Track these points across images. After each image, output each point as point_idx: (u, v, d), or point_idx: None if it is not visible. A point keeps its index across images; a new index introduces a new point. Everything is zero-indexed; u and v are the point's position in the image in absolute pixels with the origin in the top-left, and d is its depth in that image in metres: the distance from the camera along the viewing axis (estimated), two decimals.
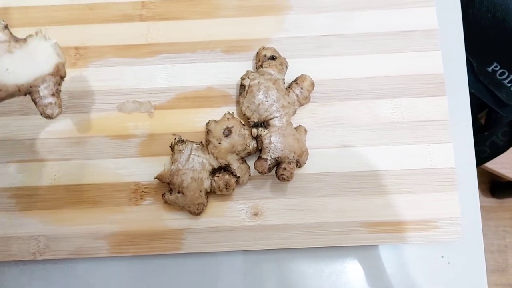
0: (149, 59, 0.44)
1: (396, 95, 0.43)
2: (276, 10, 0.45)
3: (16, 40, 0.26)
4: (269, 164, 0.39)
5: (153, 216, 0.41)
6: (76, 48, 0.44)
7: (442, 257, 0.42)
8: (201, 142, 0.41)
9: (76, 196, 0.41)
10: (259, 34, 0.44)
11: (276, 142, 0.39)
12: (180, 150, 0.39)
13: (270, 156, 0.39)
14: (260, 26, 0.44)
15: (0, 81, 0.25)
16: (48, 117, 0.28)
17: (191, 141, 0.40)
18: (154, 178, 0.39)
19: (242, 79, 0.40)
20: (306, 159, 0.40)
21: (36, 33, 0.26)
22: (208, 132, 0.40)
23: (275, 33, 0.44)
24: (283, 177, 0.38)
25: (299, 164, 0.40)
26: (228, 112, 0.40)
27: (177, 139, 0.40)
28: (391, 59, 0.44)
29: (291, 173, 0.38)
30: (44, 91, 0.26)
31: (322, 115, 0.43)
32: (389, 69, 0.43)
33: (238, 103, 0.43)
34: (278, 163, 0.39)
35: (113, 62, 0.44)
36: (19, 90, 0.26)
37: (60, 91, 0.28)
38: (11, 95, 0.26)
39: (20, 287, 0.41)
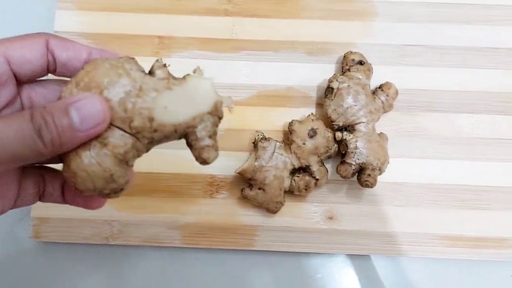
0: (232, 55, 0.44)
1: (478, 111, 0.43)
2: (362, 16, 0.45)
3: (174, 78, 0.24)
4: (354, 169, 0.38)
5: (227, 210, 0.41)
6: (159, 37, 0.44)
7: None
8: (283, 141, 0.40)
9: (153, 184, 0.41)
10: (343, 38, 0.44)
11: (361, 148, 0.38)
12: (264, 147, 0.39)
13: (355, 161, 0.38)
14: (345, 31, 0.44)
15: (157, 120, 0.23)
16: (204, 162, 0.25)
17: (274, 139, 0.40)
18: (236, 173, 0.39)
19: (330, 81, 0.40)
20: (386, 167, 0.40)
21: (194, 71, 0.25)
22: (291, 132, 0.40)
23: (360, 38, 0.44)
24: (367, 184, 0.38)
25: (379, 172, 0.40)
26: (312, 114, 0.40)
27: (261, 136, 0.40)
28: (475, 74, 0.43)
29: (375, 180, 0.38)
30: (201, 132, 0.24)
31: (402, 124, 0.43)
32: (472, 84, 0.43)
33: (318, 104, 0.43)
34: (361, 169, 0.39)
35: (196, 54, 0.44)
36: (175, 131, 0.23)
37: (217, 133, 0.25)
38: (166, 137, 0.24)
39: (90, 270, 0.42)
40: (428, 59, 0.44)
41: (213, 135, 0.25)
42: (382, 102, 0.41)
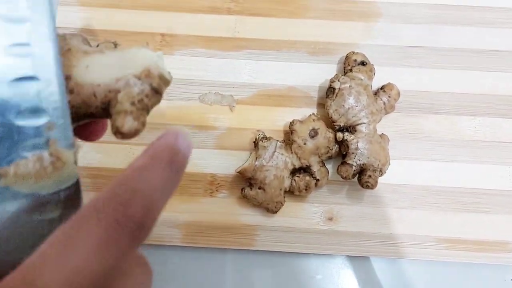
0: (234, 53, 0.44)
1: (480, 114, 0.43)
2: (365, 16, 0.45)
3: (116, 45, 0.22)
4: (354, 170, 0.38)
5: (227, 209, 0.41)
6: (162, 34, 0.44)
7: None
8: (283, 141, 0.40)
9: None
10: (346, 38, 0.44)
11: (362, 149, 0.38)
12: (264, 147, 0.39)
13: (356, 162, 0.38)
14: (348, 31, 0.44)
15: (74, 78, 0.20)
16: (118, 132, 0.19)
17: (275, 139, 0.40)
18: (236, 172, 0.39)
19: (332, 81, 0.40)
20: (387, 169, 0.40)
21: (143, 44, 0.21)
22: (292, 131, 0.39)
23: (363, 39, 0.44)
24: (367, 185, 0.38)
25: (380, 173, 0.40)
26: (313, 114, 0.40)
27: (261, 135, 0.40)
28: (478, 76, 0.43)
29: (376, 181, 0.38)
30: (123, 96, 0.19)
31: (404, 126, 0.42)
32: (475, 86, 0.43)
33: (319, 104, 0.43)
34: (362, 170, 0.39)
35: (198, 53, 0.44)
36: (94, 95, 0.20)
37: (148, 108, 0.20)
38: (85, 103, 0.20)
39: None
40: (431, 60, 0.44)
41: (137, 103, 0.20)
42: (384, 103, 0.41)
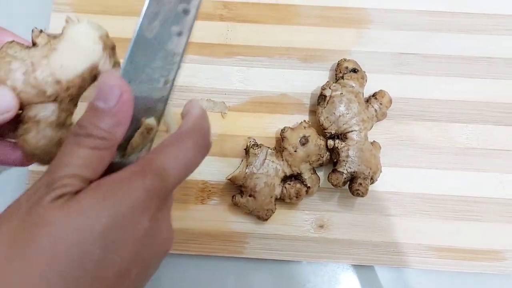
0: (226, 60, 0.44)
1: (472, 121, 0.43)
2: (356, 23, 0.45)
3: (54, 36, 0.26)
4: (345, 178, 0.38)
5: (218, 216, 0.41)
6: None
7: None
8: (274, 148, 0.40)
9: None
10: (337, 45, 0.44)
11: (353, 156, 0.38)
12: (255, 154, 0.39)
13: (346, 170, 0.38)
14: (339, 38, 0.44)
15: (62, 79, 0.25)
16: None
17: (266, 146, 0.40)
18: (227, 179, 0.39)
19: (323, 89, 0.40)
20: (378, 176, 0.40)
21: (67, 21, 0.26)
22: (283, 138, 0.39)
23: (354, 46, 0.44)
24: (358, 193, 0.38)
25: (372, 181, 0.39)
26: (305, 121, 0.40)
27: (252, 143, 0.40)
28: (470, 83, 0.43)
29: (366, 189, 0.38)
30: (103, 67, 0.26)
31: (396, 133, 0.42)
32: (467, 93, 0.43)
33: (311, 111, 0.43)
34: (352, 177, 0.39)
35: (190, 59, 0.44)
36: (84, 80, 0.25)
37: (119, 63, 0.27)
38: (81, 87, 0.26)
39: None
40: (423, 67, 0.43)
41: (115, 64, 0.26)
42: (375, 111, 0.41)
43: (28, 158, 0.26)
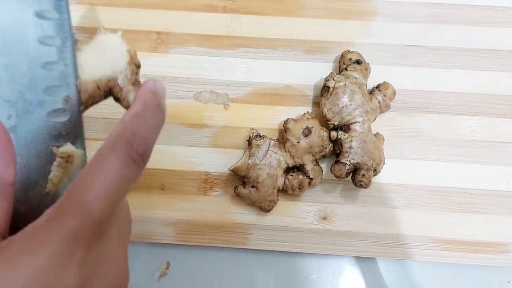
0: (230, 52, 0.44)
1: (477, 113, 0.42)
2: (361, 15, 0.44)
3: (82, 42, 0.26)
4: (348, 169, 0.38)
5: (221, 208, 0.41)
6: (158, 33, 0.44)
7: (509, 282, 0.41)
8: (277, 139, 0.40)
9: (146, 180, 0.41)
10: (342, 37, 0.44)
11: (356, 148, 0.38)
12: (258, 145, 0.39)
13: (349, 161, 0.38)
14: (344, 30, 0.44)
15: (79, 80, 0.24)
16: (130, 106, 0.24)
17: (269, 137, 0.40)
18: (229, 170, 0.39)
19: (327, 80, 0.40)
20: (382, 168, 0.40)
21: (99, 30, 0.26)
22: (286, 130, 0.39)
23: (359, 38, 0.44)
24: (361, 184, 0.38)
25: (375, 173, 0.39)
26: (308, 112, 0.40)
27: (255, 134, 0.40)
28: (475, 76, 0.43)
29: (369, 181, 0.38)
30: (123, 81, 0.25)
31: (400, 125, 0.42)
32: (472, 86, 0.43)
33: (315, 103, 0.43)
34: (355, 169, 0.38)
35: (193, 51, 0.44)
36: (98, 88, 0.25)
37: (140, 82, 0.26)
38: (92, 96, 0.25)
39: None
40: (427, 60, 0.43)
41: (135, 83, 0.26)
42: (379, 102, 0.40)
43: None
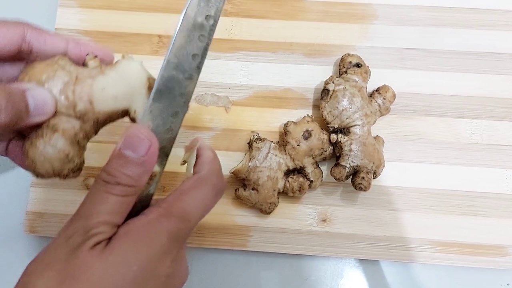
0: (230, 55, 0.44)
1: (477, 116, 0.42)
2: (361, 18, 0.45)
3: (107, 65, 0.27)
4: (347, 172, 0.38)
5: (221, 210, 0.41)
6: (159, 36, 0.45)
7: (508, 284, 0.41)
8: (278, 142, 0.40)
9: None
10: (342, 40, 0.44)
11: (356, 150, 0.38)
12: (258, 148, 0.39)
13: (349, 164, 0.38)
14: (344, 33, 0.44)
15: (97, 101, 0.26)
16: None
17: (269, 140, 0.40)
18: (230, 173, 0.39)
19: (326, 83, 0.40)
20: (382, 171, 0.40)
21: (123, 56, 0.27)
22: (286, 133, 0.39)
23: (359, 41, 0.44)
24: (360, 187, 0.38)
25: (375, 175, 0.39)
26: (308, 115, 0.40)
27: (256, 136, 0.40)
28: (475, 79, 0.43)
29: (369, 183, 0.38)
30: (139, 105, 0.27)
31: (400, 128, 0.42)
32: (472, 89, 0.43)
33: (315, 106, 0.43)
34: (355, 171, 0.39)
35: None
36: (116, 109, 0.27)
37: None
38: (109, 116, 0.27)
39: None
40: (427, 63, 0.43)
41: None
42: (379, 105, 0.41)
43: (27, 163, 0.25)
